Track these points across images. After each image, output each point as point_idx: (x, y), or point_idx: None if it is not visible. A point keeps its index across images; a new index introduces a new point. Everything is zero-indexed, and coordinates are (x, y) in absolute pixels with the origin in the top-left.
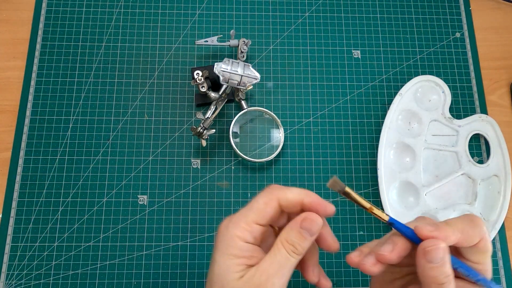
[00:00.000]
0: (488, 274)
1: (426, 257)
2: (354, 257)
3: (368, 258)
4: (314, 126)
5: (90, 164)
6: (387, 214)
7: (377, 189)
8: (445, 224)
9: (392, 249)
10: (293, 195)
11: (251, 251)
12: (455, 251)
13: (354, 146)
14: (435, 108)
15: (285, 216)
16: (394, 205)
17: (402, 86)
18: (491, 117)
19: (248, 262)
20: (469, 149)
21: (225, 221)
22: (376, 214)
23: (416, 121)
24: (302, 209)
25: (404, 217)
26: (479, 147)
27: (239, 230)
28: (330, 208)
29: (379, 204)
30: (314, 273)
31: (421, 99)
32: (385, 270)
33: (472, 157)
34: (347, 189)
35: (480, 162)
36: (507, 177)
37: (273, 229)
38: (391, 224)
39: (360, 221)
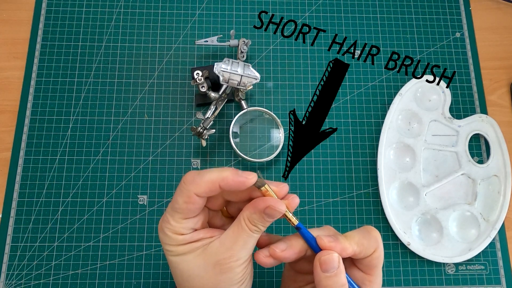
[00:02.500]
0: (376, 286)
1: (322, 267)
2: (261, 241)
3: (263, 250)
4: None
5: (90, 164)
6: (297, 219)
7: (377, 189)
8: (344, 237)
9: (285, 248)
10: (207, 184)
11: (197, 236)
12: (351, 262)
13: (354, 146)
14: (435, 108)
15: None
16: (394, 205)
17: (402, 86)
18: (491, 117)
19: (200, 243)
20: (469, 149)
21: (159, 222)
22: (287, 217)
23: (416, 121)
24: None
25: (404, 217)
26: (479, 147)
27: (171, 230)
28: (248, 181)
29: (379, 204)
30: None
31: (421, 99)
32: (290, 278)
33: (472, 157)
34: (266, 186)
35: (480, 162)
36: (507, 177)
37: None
38: (298, 229)
39: (360, 221)
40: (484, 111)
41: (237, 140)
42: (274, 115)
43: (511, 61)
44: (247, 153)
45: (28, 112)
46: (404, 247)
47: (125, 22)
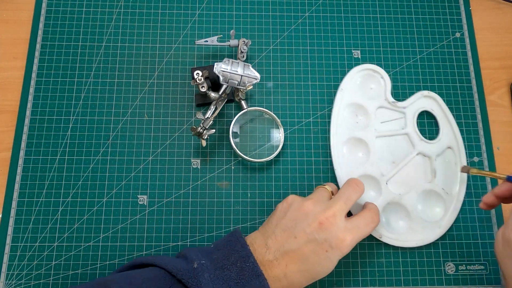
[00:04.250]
0: None
1: None
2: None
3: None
4: (314, 126)
5: (90, 164)
6: (506, 175)
7: (339, 188)
8: None
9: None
10: None
11: None
12: None
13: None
14: (377, 95)
15: None
16: (357, 200)
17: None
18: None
19: None
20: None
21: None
22: (497, 177)
23: (362, 113)
24: None
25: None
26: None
27: None
28: None
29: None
30: None
31: (362, 89)
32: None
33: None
34: (474, 170)
35: (432, 138)
36: (459, 148)
37: None
38: (509, 179)
39: None
40: (484, 111)
41: (237, 140)
42: (274, 115)
43: (511, 61)
44: (247, 153)
45: (28, 112)
46: (385, 245)
47: (125, 22)
